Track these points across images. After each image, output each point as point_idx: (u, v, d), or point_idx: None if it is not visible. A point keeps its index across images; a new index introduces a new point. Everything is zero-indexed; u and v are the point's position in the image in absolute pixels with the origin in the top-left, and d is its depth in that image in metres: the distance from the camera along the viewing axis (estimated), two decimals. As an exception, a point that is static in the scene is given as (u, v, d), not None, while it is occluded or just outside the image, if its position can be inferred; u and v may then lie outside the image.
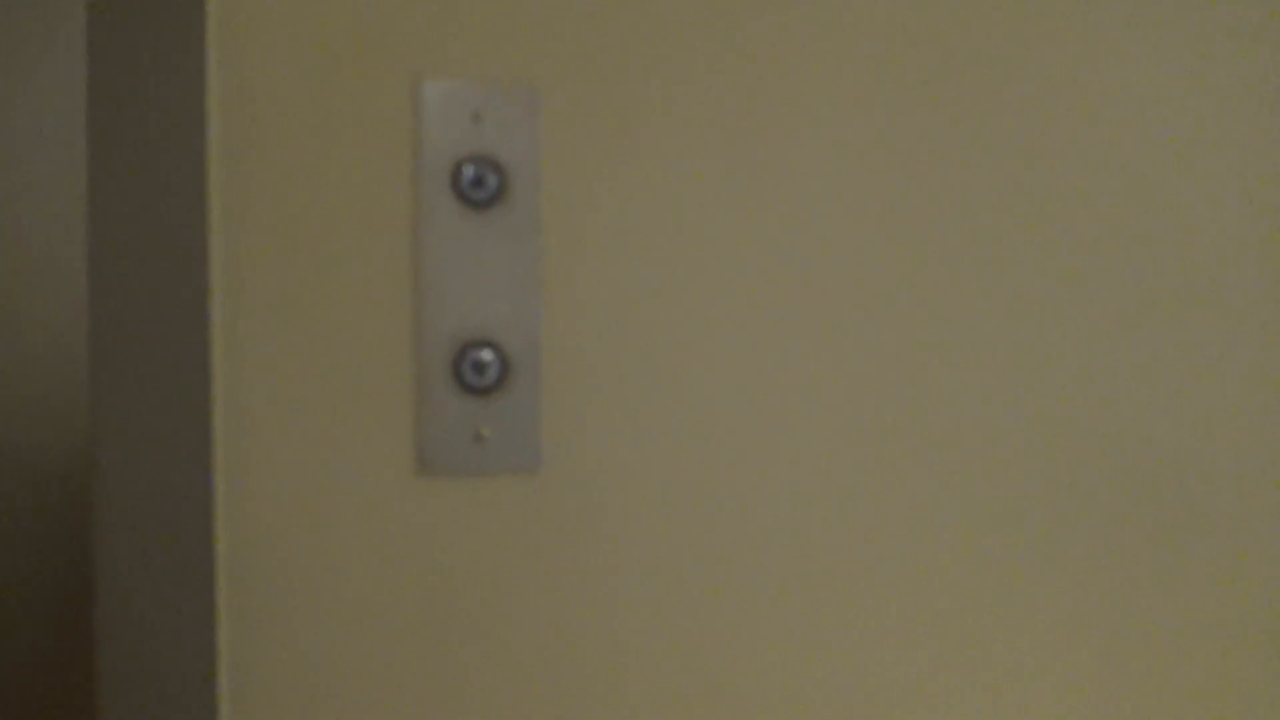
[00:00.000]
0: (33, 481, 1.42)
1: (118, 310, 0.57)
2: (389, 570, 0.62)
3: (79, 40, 1.44)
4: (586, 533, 0.65)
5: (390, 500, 0.62)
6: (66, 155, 1.43)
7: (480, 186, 0.64)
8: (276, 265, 0.61)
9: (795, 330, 0.69)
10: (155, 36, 0.59)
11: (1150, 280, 0.73)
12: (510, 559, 0.64)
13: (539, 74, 0.65)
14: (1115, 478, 0.73)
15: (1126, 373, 0.73)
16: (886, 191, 0.70)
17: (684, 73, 0.68)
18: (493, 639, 0.63)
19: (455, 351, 0.64)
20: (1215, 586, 0.73)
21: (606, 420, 0.66)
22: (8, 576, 1.43)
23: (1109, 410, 0.73)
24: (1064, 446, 0.72)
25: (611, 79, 0.66)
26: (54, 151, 1.42)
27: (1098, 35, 0.73)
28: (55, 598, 1.45)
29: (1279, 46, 0.74)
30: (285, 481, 0.60)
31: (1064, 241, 0.73)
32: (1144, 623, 0.73)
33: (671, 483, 0.66)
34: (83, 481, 1.44)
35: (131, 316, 0.58)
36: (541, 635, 0.64)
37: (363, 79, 0.62)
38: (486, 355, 0.64)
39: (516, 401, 0.64)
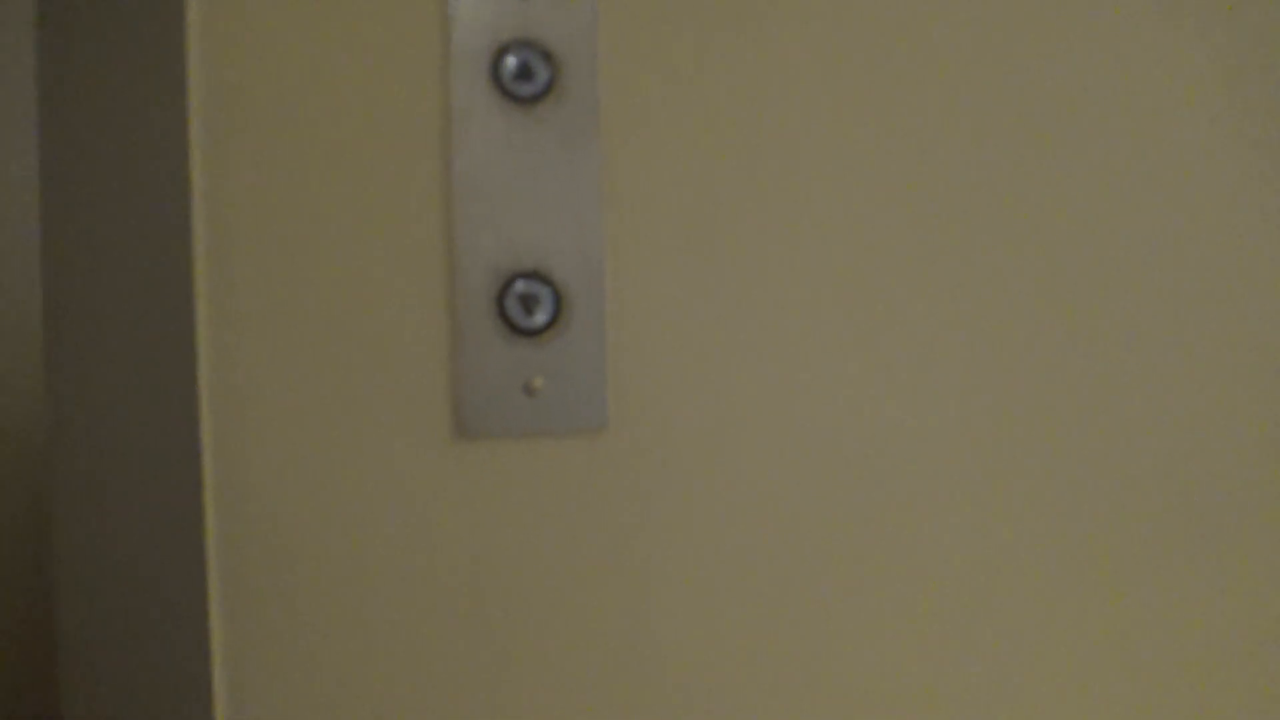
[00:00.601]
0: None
1: (75, 232, 0.45)
2: (424, 553, 0.50)
3: None
4: (661, 502, 0.53)
5: (424, 468, 0.50)
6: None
7: (527, 78, 0.51)
8: (274, 177, 0.48)
9: (914, 259, 0.56)
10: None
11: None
12: (570, 535, 0.52)
13: (596, -64, 0.52)
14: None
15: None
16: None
17: (776, -67, 0.54)
18: (548, 627, 0.52)
19: (499, 284, 0.51)
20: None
21: (686, 368, 0.53)
22: None
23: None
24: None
25: (686, -58, 0.53)
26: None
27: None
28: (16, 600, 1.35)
29: None
30: (293, 451, 0.49)
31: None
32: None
33: (760, 441, 0.54)
34: (41, 456, 1.34)
35: (98, 258, 0.46)
36: (604, 622, 0.53)
37: (377, -59, 0.50)
38: (537, 289, 0.52)
39: (575, 345, 0.52)
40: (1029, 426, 0.58)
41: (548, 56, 0.52)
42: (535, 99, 0.52)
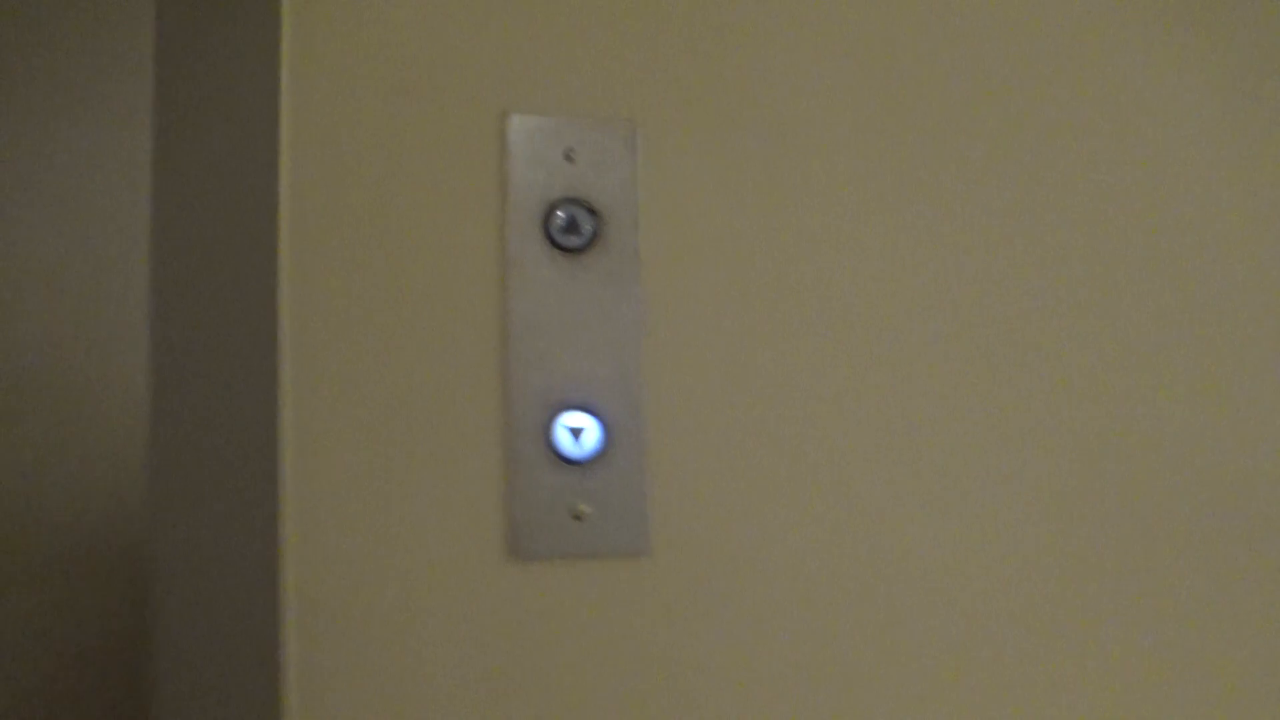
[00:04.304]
0: (88, 558, 1.35)
1: (179, 368, 0.50)
2: (477, 667, 0.53)
3: (147, 70, 1.41)
4: (702, 625, 0.56)
5: (478, 586, 0.53)
6: (130, 200, 1.38)
7: (574, 231, 0.57)
8: (350, 320, 0.54)
9: (941, 385, 0.60)
10: (226, 72, 0.53)
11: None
12: (615, 654, 0.54)
13: (635, 108, 0.59)
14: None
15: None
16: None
17: (794, 102, 0.61)
18: (595, 754, 0.53)
19: (549, 417, 0.56)
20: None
21: (723, 495, 0.57)
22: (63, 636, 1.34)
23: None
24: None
25: (714, 112, 0.60)
26: (118, 193, 1.37)
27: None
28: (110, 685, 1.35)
29: None
30: (358, 567, 0.52)
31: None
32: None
33: (800, 567, 0.57)
34: (138, 576, 1.37)
35: (194, 371, 0.50)
36: (653, 750, 0.54)
37: (444, 115, 0.56)
38: (584, 421, 0.56)
39: (619, 474, 0.56)
40: (1057, 523, 0.61)
41: (592, 212, 0.57)
42: (582, 249, 0.57)
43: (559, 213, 0.57)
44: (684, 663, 0.55)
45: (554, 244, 0.57)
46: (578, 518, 0.55)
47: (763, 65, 0.61)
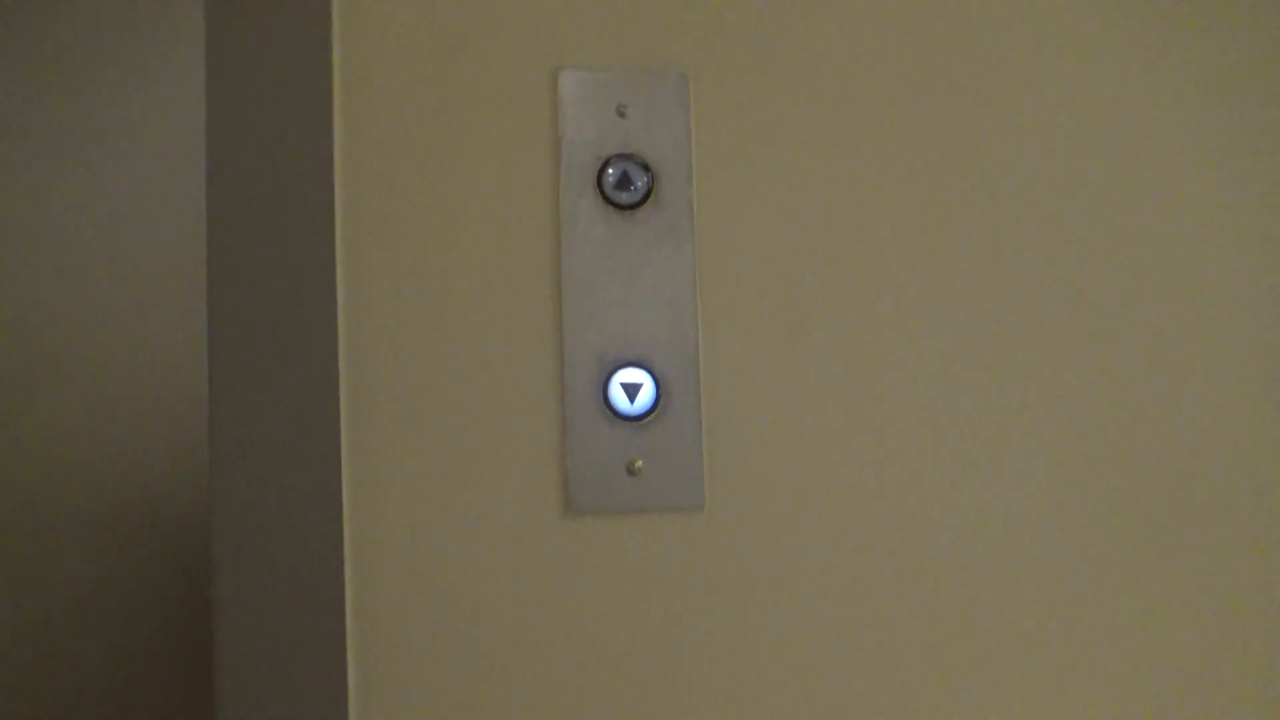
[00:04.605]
0: (151, 520, 1.40)
1: (237, 333, 0.51)
2: (534, 621, 0.54)
3: (199, 39, 1.43)
4: (757, 579, 0.56)
5: (535, 542, 0.54)
6: (186, 162, 1.41)
7: (627, 187, 0.57)
8: (405, 280, 0.54)
9: (998, 336, 0.59)
10: (276, 34, 0.53)
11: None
12: (670, 608, 0.55)
13: (688, 60, 0.58)
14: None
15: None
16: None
17: (847, 53, 0.60)
18: (649, 696, 0.54)
19: (604, 374, 0.56)
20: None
21: (777, 450, 0.57)
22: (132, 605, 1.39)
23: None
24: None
25: (767, 62, 0.59)
26: (173, 158, 1.40)
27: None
28: (176, 645, 1.41)
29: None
30: (417, 524, 0.53)
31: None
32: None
33: (853, 519, 0.57)
34: (200, 536, 1.41)
35: (252, 338, 0.52)
36: (703, 694, 0.55)
37: (496, 72, 0.56)
38: (639, 377, 0.56)
39: (674, 429, 0.56)
40: (1086, 510, 0.60)
41: (646, 167, 0.57)
42: (635, 205, 0.57)
43: (611, 169, 0.57)
44: (736, 617, 0.56)
45: (607, 200, 0.57)
46: (633, 473, 0.55)
47: (816, 16, 0.59)
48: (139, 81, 1.41)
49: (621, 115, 0.58)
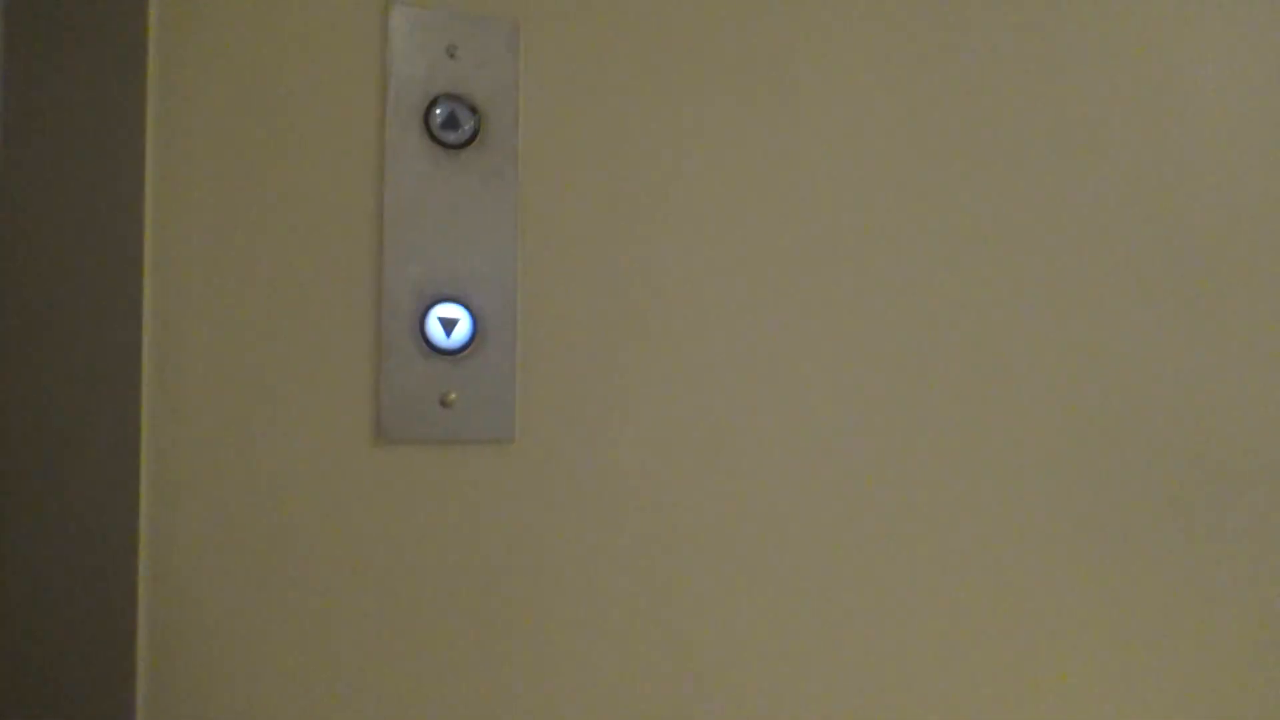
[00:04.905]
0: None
1: (43, 254, 0.51)
2: (345, 547, 0.55)
3: None
4: (563, 511, 0.59)
5: (347, 467, 0.56)
6: None
7: (454, 127, 0.58)
8: (219, 208, 0.55)
9: (797, 288, 0.63)
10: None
11: (1185, 263, 0.68)
12: (480, 536, 0.57)
13: (519, 7, 0.60)
14: (1143, 467, 0.67)
15: (1151, 361, 0.68)
16: (907, 159, 0.65)
17: (673, 6, 0.62)
18: (457, 620, 0.57)
19: (422, 307, 0.58)
20: (1239, 581, 0.68)
21: (588, 387, 0.60)
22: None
23: (1138, 399, 0.67)
24: (1102, 436, 0.67)
25: (597, 16, 0.61)
26: None
27: (1148, 12, 0.69)
28: None
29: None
30: (223, 449, 0.54)
31: (1099, 230, 0.68)
32: (1167, 617, 0.67)
33: (658, 456, 0.60)
34: None
35: (54, 258, 0.51)
36: (509, 619, 0.58)
37: (327, 4, 0.57)
38: (456, 313, 0.58)
39: (488, 364, 0.58)
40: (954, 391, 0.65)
41: (473, 110, 0.59)
42: (461, 145, 0.58)
43: (439, 108, 0.58)
44: (542, 544, 0.58)
45: (433, 138, 0.58)
46: (446, 405, 0.57)
47: (648, -29, 0.61)
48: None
49: (452, 56, 0.59)
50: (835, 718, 0.63)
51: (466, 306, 0.58)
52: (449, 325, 0.57)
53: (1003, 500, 0.66)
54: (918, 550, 0.65)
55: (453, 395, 0.57)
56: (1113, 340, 0.67)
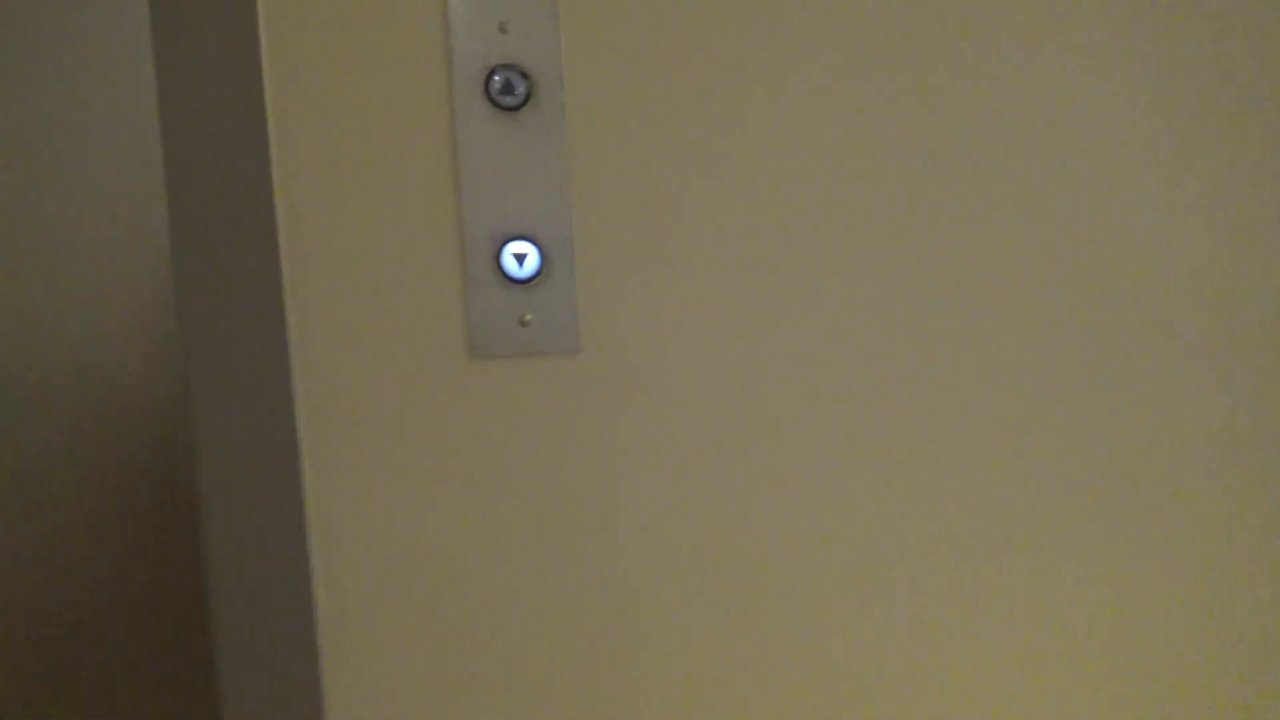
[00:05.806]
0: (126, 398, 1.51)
1: (195, 222, 0.64)
2: (445, 444, 0.69)
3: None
4: (623, 409, 0.72)
5: (447, 380, 0.69)
6: (132, 92, 1.48)
7: (510, 92, 0.69)
8: (334, 180, 0.67)
9: (825, 227, 0.74)
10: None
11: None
12: (554, 432, 0.71)
13: (557, -17, 0.70)
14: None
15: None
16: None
17: (693, -26, 0.72)
18: (535, 509, 0.70)
19: (496, 246, 0.70)
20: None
21: (639, 305, 0.72)
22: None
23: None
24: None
25: (625, -16, 0.71)
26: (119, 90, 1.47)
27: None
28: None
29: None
30: (358, 368, 0.67)
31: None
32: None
33: (703, 365, 0.73)
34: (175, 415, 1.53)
35: (206, 230, 0.64)
36: (583, 504, 0.71)
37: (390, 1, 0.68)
38: (525, 248, 0.70)
39: (555, 290, 0.71)
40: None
41: (525, 75, 0.70)
42: (517, 108, 0.70)
43: (496, 77, 0.69)
44: (609, 444, 0.72)
45: (493, 103, 0.69)
46: (523, 325, 0.70)
47: (664, -59, 0.71)
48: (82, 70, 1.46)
49: (503, 31, 0.70)
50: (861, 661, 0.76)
51: (534, 242, 0.70)
52: (520, 259, 0.70)
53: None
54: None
55: (528, 316, 0.70)
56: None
